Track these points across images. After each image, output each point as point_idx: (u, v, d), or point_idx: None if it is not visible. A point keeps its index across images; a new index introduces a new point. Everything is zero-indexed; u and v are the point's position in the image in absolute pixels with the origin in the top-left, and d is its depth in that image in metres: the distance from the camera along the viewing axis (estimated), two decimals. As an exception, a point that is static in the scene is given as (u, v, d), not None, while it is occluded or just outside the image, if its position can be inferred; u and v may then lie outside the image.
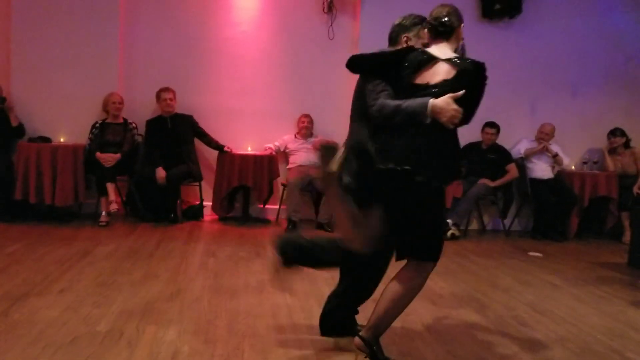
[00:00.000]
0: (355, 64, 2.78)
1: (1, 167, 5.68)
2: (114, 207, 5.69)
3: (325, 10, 6.52)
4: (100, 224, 5.63)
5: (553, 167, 6.62)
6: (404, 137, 2.50)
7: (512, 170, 6.46)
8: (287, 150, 6.47)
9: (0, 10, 6.06)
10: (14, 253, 4.39)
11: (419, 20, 2.86)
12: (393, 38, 2.92)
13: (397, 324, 3.23)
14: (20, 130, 5.93)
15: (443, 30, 2.63)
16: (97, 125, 6.04)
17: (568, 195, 6.37)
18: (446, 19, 2.62)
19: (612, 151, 6.79)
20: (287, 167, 6.45)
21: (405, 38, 2.86)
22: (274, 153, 6.37)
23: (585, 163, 6.77)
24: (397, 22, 2.93)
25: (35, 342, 2.70)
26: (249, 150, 6.39)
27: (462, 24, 2.68)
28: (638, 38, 6.95)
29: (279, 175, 6.34)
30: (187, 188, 6.33)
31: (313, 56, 6.62)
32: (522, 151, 6.62)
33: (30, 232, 5.19)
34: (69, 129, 6.09)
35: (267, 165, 6.16)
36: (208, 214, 6.39)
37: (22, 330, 2.84)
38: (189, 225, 5.94)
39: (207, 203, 6.37)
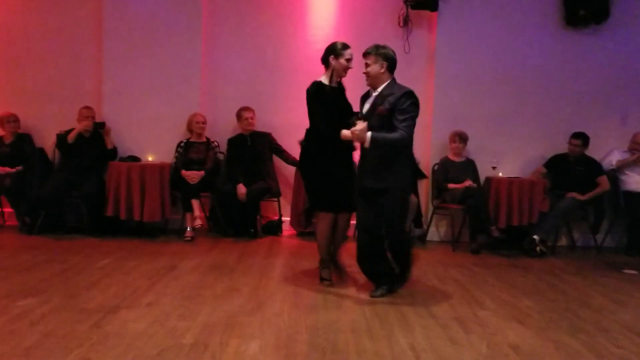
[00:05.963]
0: None
1: (94, 186, 6.00)
2: (198, 222, 5.89)
3: (401, 24, 6.49)
4: (186, 239, 5.83)
5: (648, 179, 6.21)
6: None
7: (603, 182, 6.12)
8: (364, 165, 6.46)
9: (92, 40, 6.50)
10: (105, 267, 4.61)
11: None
12: None
13: (481, 343, 3.12)
14: (114, 152, 6.28)
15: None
16: (182, 144, 6.29)
17: (666, 209, 5.96)
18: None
19: None
20: (365, 182, 6.42)
21: None
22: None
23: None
24: None
25: (125, 354, 2.79)
26: (326, 165, 6.41)
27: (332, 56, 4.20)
28: None
29: (356, 190, 6.32)
30: (266, 204, 6.45)
31: (389, 70, 6.57)
32: (614, 162, 6.26)
33: (120, 247, 5.45)
34: (156, 149, 6.37)
35: (344, 180, 6.15)
36: (286, 229, 6.48)
37: (113, 341, 2.95)
38: (268, 240, 6.04)
39: (286, 218, 6.46)
